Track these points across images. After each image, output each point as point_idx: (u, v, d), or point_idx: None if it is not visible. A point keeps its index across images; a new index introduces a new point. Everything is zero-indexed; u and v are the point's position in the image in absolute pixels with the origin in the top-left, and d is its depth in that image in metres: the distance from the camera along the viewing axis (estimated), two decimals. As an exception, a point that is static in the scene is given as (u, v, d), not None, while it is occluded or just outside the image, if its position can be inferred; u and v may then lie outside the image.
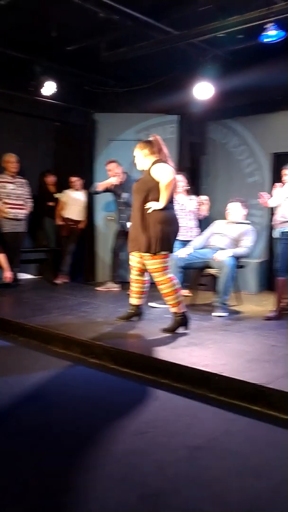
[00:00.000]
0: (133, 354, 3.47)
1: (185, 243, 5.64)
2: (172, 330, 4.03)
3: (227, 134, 6.93)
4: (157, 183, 3.92)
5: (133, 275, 4.30)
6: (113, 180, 6.03)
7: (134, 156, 4.15)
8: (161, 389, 3.12)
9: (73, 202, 6.92)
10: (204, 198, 5.85)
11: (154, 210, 3.92)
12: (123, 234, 6.21)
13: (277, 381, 2.93)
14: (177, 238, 4.13)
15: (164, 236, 3.92)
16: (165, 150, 4.07)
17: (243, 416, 2.72)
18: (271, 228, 4.75)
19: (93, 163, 6.89)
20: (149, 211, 3.93)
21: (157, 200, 3.93)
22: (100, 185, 6.11)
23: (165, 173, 3.89)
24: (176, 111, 6.66)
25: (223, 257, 4.98)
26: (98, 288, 6.26)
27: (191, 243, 5.40)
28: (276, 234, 4.87)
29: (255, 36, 4.80)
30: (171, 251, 4.08)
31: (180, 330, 4.03)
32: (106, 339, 3.79)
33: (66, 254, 6.77)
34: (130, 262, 4.29)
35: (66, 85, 6.31)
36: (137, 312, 4.41)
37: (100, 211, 6.96)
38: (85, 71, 6.36)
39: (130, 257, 4.27)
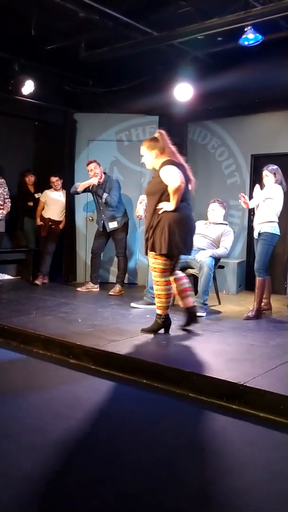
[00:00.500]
0: (113, 354, 3.48)
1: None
2: (152, 331, 4.05)
3: (207, 136, 6.99)
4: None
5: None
6: (93, 181, 6.02)
7: (142, 156, 4.08)
8: (141, 389, 3.13)
9: (53, 202, 6.88)
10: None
11: (165, 211, 3.85)
12: (103, 234, 6.21)
13: (255, 380, 2.97)
14: (191, 239, 4.07)
15: (172, 237, 3.84)
16: (171, 146, 4.00)
17: (222, 415, 2.75)
18: (250, 228, 4.80)
19: (73, 163, 6.87)
20: (160, 211, 3.86)
21: (168, 201, 3.86)
22: (80, 185, 6.09)
23: (172, 177, 3.81)
24: (156, 112, 6.68)
25: (203, 257, 5.02)
26: (78, 289, 6.24)
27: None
28: (255, 234, 4.94)
29: (234, 39, 4.85)
30: (185, 253, 4.07)
31: (160, 331, 4.05)
32: (86, 340, 3.78)
33: (46, 255, 6.73)
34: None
35: (46, 85, 6.26)
36: (188, 314, 4.21)
37: (80, 211, 6.95)
38: (65, 70, 6.33)
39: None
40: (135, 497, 1.92)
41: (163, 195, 3.87)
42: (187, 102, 5.86)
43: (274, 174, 4.89)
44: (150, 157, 4.01)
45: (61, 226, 6.90)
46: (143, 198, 5.79)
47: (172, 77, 5.74)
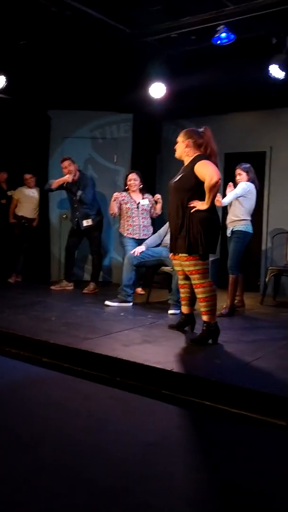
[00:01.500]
0: (87, 352, 3.46)
1: (139, 241, 5.68)
2: (202, 342, 3.68)
3: (181, 134, 7.00)
4: (201, 181, 3.63)
5: (180, 280, 3.98)
6: (67, 178, 5.98)
7: (177, 142, 3.81)
8: (114, 387, 3.12)
9: (26, 200, 6.80)
10: (158, 197, 5.89)
11: (197, 210, 3.63)
12: (77, 232, 6.17)
13: (226, 376, 3.01)
14: (217, 240, 3.84)
15: (207, 237, 3.63)
16: (213, 146, 3.75)
17: (194, 412, 2.77)
18: (223, 226, 4.85)
19: (47, 160, 6.81)
20: (193, 210, 3.63)
21: (199, 199, 3.64)
22: (54, 183, 6.04)
23: (211, 172, 3.57)
24: (130, 110, 6.68)
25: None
26: (52, 287, 6.19)
27: (146, 242, 5.43)
28: (228, 232, 4.99)
29: (207, 38, 4.88)
30: (214, 252, 3.84)
31: (209, 341, 3.73)
32: (59, 338, 3.75)
33: (20, 253, 6.65)
34: (174, 267, 4.05)
35: (19, 81, 6.18)
36: (189, 321, 4.08)
37: (55, 209, 6.89)
38: (38, 66, 6.25)
39: (174, 261, 3.96)
40: (107, 494, 1.92)
41: (196, 193, 3.64)
42: (162, 100, 5.87)
43: (247, 172, 4.95)
44: (181, 148, 3.76)
45: (34, 224, 6.83)
46: (117, 195, 5.79)
47: (145, 75, 5.74)
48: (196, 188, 3.65)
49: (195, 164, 3.64)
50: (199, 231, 3.61)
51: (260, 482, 2.07)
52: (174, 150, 3.86)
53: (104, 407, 2.80)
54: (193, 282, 3.71)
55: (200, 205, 3.62)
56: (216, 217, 3.76)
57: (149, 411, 2.77)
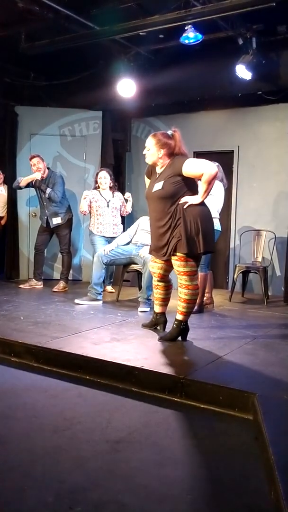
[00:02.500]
0: (55, 351, 3.44)
1: (109, 239, 5.68)
2: (171, 339, 3.72)
3: (150, 132, 6.99)
4: (188, 181, 3.56)
5: (155, 281, 3.92)
6: (36, 175, 5.91)
7: (146, 148, 3.70)
8: (84, 385, 3.12)
9: (-6, 198, 6.70)
10: (127, 195, 5.90)
11: (190, 205, 3.52)
12: (46, 230, 6.12)
13: (196, 373, 3.05)
14: (213, 234, 3.72)
15: (204, 233, 3.52)
16: (183, 148, 3.65)
17: (163, 408, 2.80)
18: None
19: (15, 157, 6.71)
20: (186, 206, 3.52)
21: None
22: (23, 180, 5.97)
23: (205, 165, 3.48)
24: (99, 107, 6.66)
25: (147, 253, 5.06)
26: (21, 286, 6.12)
27: (116, 240, 5.44)
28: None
29: (175, 37, 4.92)
30: (212, 249, 3.74)
31: (178, 339, 3.75)
32: (28, 337, 3.72)
33: (-13, 251, 6.54)
34: (151, 269, 3.95)
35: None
36: (161, 320, 4.06)
37: (23, 207, 6.81)
38: (4, 62, 6.16)
39: (151, 263, 3.92)
40: (76, 492, 1.92)
41: (184, 194, 3.55)
42: (130, 98, 5.88)
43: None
44: (156, 154, 3.64)
45: (3, 222, 6.73)
46: (87, 193, 5.77)
47: (114, 72, 5.74)
48: (183, 190, 3.57)
49: (179, 166, 3.53)
50: (196, 228, 3.50)
51: (227, 476, 2.11)
52: (144, 155, 3.75)
53: (72, 406, 2.80)
54: (179, 281, 3.66)
55: (193, 200, 3.52)
56: (210, 210, 3.68)
57: (118, 408, 2.78)
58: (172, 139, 3.64)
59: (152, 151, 3.67)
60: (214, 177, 3.48)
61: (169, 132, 3.69)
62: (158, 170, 3.72)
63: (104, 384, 3.13)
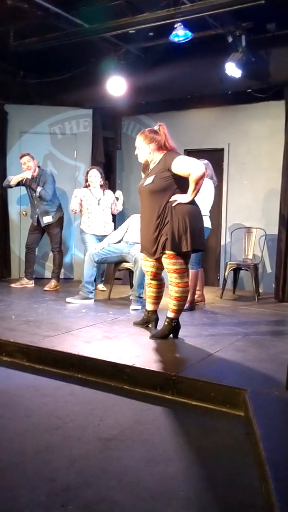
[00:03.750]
0: (47, 350, 3.44)
1: (100, 238, 5.68)
2: (163, 336, 3.73)
3: (141, 130, 7.00)
4: (178, 177, 3.57)
5: (148, 280, 3.95)
6: (27, 174, 5.89)
7: (137, 147, 3.75)
8: (76, 384, 3.13)
9: (-16, 196, 6.66)
10: (118, 193, 5.90)
11: (179, 204, 3.55)
12: (37, 229, 6.10)
13: (187, 370, 3.06)
14: (203, 232, 3.74)
15: (192, 231, 3.53)
16: (171, 141, 3.68)
17: (155, 405, 2.81)
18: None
19: (5, 155, 6.68)
20: (175, 204, 3.55)
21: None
22: (13, 179, 5.94)
23: (194, 164, 3.50)
24: (89, 105, 6.64)
25: (138, 251, 5.06)
26: (12, 285, 6.10)
27: (107, 238, 5.43)
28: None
29: (165, 35, 4.92)
30: (203, 247, 3.80)
31: (170, 336, 3.77)
32: (20, 337, 3.71)
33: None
34: (143, 267, 3.99)
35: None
36: (153, 318, 4.08)
37: (14, 206, 6.78)
38: (-6, 60, 6.13)
39: (143, 262, 3.96)
40: (68, 490, 1.93)
41: (174, 191, 3.58)
42: (121, 96, 5.87)
43: (205, 168, 5.01)
44: (145, 151, 3.69)
45: (-7, 221, 6.70)
46: (77, 192, 5.76)
47: (104, 70, 5.73)
48: (173, 186, 3.59)
49: (169, 163, 3.56)
50: (184, 226, 3.52)
51: (218, 472, 2.12)
52: (136, 155, 3.80)
53: (64, 404, 2.80)
54: (170, 279, 3.67)
55: (183, 198, 3.54)
56: (199, 209, 3.71)
57: (110, 406, 2.78)
58: (159, 134, 3.68)
59: (142, 149, 3.72)
60: (202, 177, 3.51)
61: (155, 127, 3.74)
62: (151, 165, 3.77)
63: (96, 382, 3.13)
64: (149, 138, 3.67)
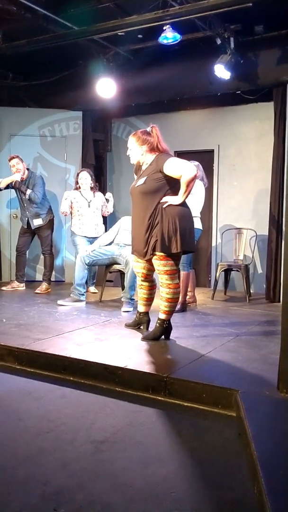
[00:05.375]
0: (38, 353, 3.43)
1: (91, 240, 5.67)
2: (155, 338, 3.74)
3: (131, 132, 7.00)
4: (170, 179, 3.58)
5: (139, 281, 3.94)
6: (16, 177, 5.86)
7: (129, 148, 3.76)
8: (67, 387, 3.12)
9: (-27, 199, 6.62)
10: (108, 195, 5.90)
11: (170, 206, 3.56)
12: (28, 231, 6.08)
13: (179, 371, 3.07)
14: (193, 234, 3.76)
15: (182, 233, 3.55)
16: (163, 143, 3.70)
17: (147, 407, 2.81)
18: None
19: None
20: (165, 206, 3.56)
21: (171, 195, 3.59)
22: (2, 182, 5.90)
23: (186, 167, 3.51)
24: (79, 107, 6.64)
25: (129, 253, 5.07)
26: (3, 288, 6.06)
27: (98, 240, 5.43)
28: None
29: (154, 37, 4.93)
30: (193, 249, 3.82)
31: (162, 338, 3.78)
32: (11, 340, 3.69)
33: None
34: (134, 269, 3.98)
35: None
36: (145, 320, 4.07)
37: (4, 208, 6.75)
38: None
39: (134, 263, 3.96)
40: (60, 494, 1.92)
41: (166, 193, 3.59)
42: (111, 98, 5.87)
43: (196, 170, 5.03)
44: (138, 152, 3.71)
45: (-17, 224, 6.67)
46: (68, 194, 5.75)
47: (94, 72, 5.73)
48: (165, 187, 3.60)
49: (161, 164, 3.57)
50: (174, 228, 3.53)
51: (210, 473, 2.13)
52: (128, 156, 3.82)
53: (56, 407, 2.79)
54: (161, 281, 3.68)
55: (174, 200, 3.55)
56: (190, 210, 3.72)
57: (102, 408, 2.78)
58: (151, 135, 3.70)
59: (134, 150, 3.74)
60: (193, 180, 3.52)
61: (148, 129, 3.75)
62: (143, 167, 3.78)
63: (88, 385, 3.13)
64: (142, 139, 3.68)
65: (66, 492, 1.93)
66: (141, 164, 3.79)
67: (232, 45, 5.04)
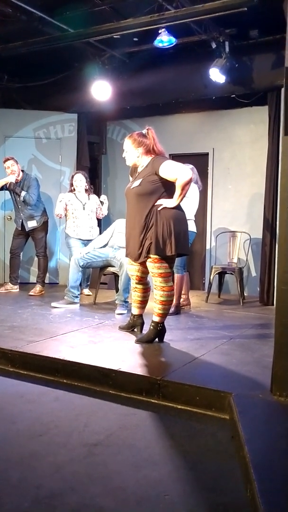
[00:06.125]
0: (31, 355, 3.41)
1: (85, 242, 5.67)
2: (149, 340, 3.74)
3: (126, 135, 7.01)
4: (165, 181, 3.58)
5: (133, 284, 3.94)
6: (10, 178, 5.85)
7: (125, 150, 3.76)
8: (61, 389, 3.11)
9: None
10: (103, 197, 5.90)
11: (164, 208, 3.56)
12: (22, 233, 6.07)
13: (173, 374, 3.07)
14: (187, 237, 3.76)
15: (177, 235, 3.55)
16: (159, 145, 3.71)
17: (141, 410, 2.81)
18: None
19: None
20: (160, 208, 3.56)
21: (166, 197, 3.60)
22: (-4, 183, 5.90)
23: (181, 170, 3.51)
24: (74, 110, 6.64)
25: (124, 255, 5.07)
26: (-4, 290, 6.05)
27: (92, 242, 5.43)
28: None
29: (149, 40, 4.95)
30: (187, 251, 3.83)
31: (155, 340, 3.78)
32: (4, 342, 3.68)
33: None
34: (129, 271, 3.98)
35: None
36: (139, 322, 4.06)
37: (-2, 210, 6.73)
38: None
39: (128, 266, 3.95)
40: (53, 497, 1.91)
41: (161, 195, 3.60)
42: (106, 101, 5.88)
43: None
44: (133, 154, 3.70)
45: (-23, 225, 6.65)
46: (62, 196, 5.74)
47: (89, 75, 5.74)
48: (160, 190, 3.60)
49: (157, 167, 3.57)
50: (168, 230, 3.53)
51: (204, 476, 2.13)
52: (123, 158, 3.81)
53: (49, 410, 2.78)
54: (155, 283, 3.69)
55: (168, 203, 3.55)
56: (184, 213, 3.73)
57: (95, 411, 2.77)
58: (147, 138, 3.70)
59: (130, 152, 3.74)
60: (188, 183, 3.52)
61: (143, 131, 3.75)
62: (139, 169, 3.78)
63: (81, 387, 3.12)
64: (138, 141, 3.68)
65: (59, 495, 1.93)
66: (137, 166, 3.80)
67: (227, 49, 5.07)
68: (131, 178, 3.94)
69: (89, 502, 1.89)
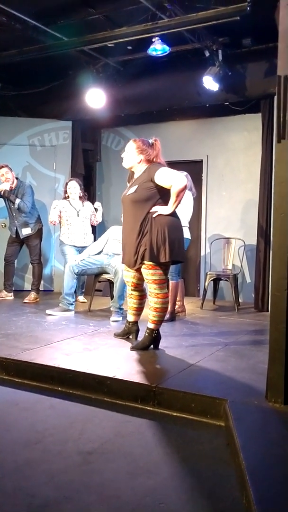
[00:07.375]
0: (26, 363, 3.40)
1: (80, 249, 5.66)
2: (144, 347, 3.73)
3: (120, 142, 7.08)
4: (161, 188, 3.58)
5: (129, 291, 3.91)
6: (5, 186, 5.85)
7: (125, 151, 3.76)
8: (56, 397, 3.09)
9: None
10: (97, 204, 5.91)
11: (159, 215, 3.58)
12: (16, 241, 6.06)
13: (168, 381, 3.06)
14: (183, 244, 3.76)
15: (171, 242, 3.56)
16: (161, 158, 3.73)
17: (136, 417, 2.80)
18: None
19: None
20: (155, 215, 3.57)
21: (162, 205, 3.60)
22: (-9, 191, 5.89)
23: (176, 177, 3.52)
24: (69, 117, 6.66)
25: (118, 263, 5.07)
26: (-10, 298, 6.02)
27: (87, 249, 5.42)
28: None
29: (143, 49, 4.98)
30: (182, 259, 3.82)
31: (150, 347, 3.78)
32: (-2, 350, 3.66)
33: None
34: (124, 278, 3.96)
35: None
36: (134, 329, 4.06)
37: (-8, 218, 6.72)
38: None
39: (124, 272, 3.94)
40: (48, 506, 1.90)
41: (156, 202, 3.60)
42: (100, 108, 5.91)
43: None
44: (134, 159, 3.70)
45: (-29, 233, 6.62)
46: (57, 203, 5.74)
47: (83, 82, 5.77)
48: (156, 197, 3.60)
49: (153, 174, 3.58)
50: (163, 237, 3.54)
51: (199, 483, 2.12)
52: (121, 158, 3.81)
53: (44, 418, 2.76)
54: (149, 290, 3.69)
55: (163, 210, 3.56)
56: (179, 220, 3.74)
57: (90, 419, 2.76)
58: (152, 148, 3.71)
59: (130, 155, 3.74)
60: (183, 190, 3.53)
61: (150, 140, 3.75)
62: (136, 175, 3.79)
63: (76, 395, 3.11)
64: (141, 149, 3.68)
65: (53, 504, 1.91)
66: (134, 171, 3.81)
67: (220, 57, 5.12)
68: (128, 184, 3.95)
69: (84, 510, 1.88)
